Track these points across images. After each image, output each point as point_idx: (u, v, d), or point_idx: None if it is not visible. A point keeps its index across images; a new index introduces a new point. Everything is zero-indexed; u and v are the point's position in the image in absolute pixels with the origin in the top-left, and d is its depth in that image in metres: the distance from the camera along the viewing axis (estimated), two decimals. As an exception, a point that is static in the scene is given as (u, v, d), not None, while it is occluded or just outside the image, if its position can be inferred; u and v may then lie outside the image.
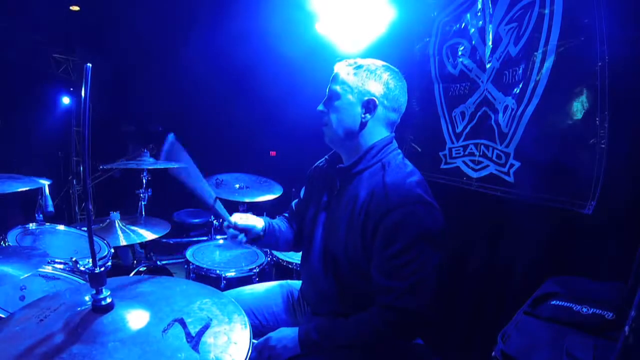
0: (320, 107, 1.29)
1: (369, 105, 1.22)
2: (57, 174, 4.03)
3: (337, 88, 1.25)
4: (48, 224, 1.98)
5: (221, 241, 2.62)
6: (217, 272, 2.15)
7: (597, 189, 1.26)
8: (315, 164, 1.53)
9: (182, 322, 0.83)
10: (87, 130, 0.76)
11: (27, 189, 1.66)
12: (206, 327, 0.83)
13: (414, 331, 1.21)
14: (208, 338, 0.80)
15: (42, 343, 0.76)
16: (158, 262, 2.85)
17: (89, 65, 0.71)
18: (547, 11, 1.42)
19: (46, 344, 0.76)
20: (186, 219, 3.57)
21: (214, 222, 2.78)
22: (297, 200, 1.62)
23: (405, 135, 2.25)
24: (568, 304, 0.98)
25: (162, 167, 2.51)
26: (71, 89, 4.03)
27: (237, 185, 2.78)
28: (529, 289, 1.15)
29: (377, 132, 1.26)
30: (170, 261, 3.15)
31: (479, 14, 1.77)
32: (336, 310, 1.30)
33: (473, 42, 1.82)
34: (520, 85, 1.54)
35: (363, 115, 1.23)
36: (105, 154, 3.89)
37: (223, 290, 1.60)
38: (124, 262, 2.75)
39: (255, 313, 1.43)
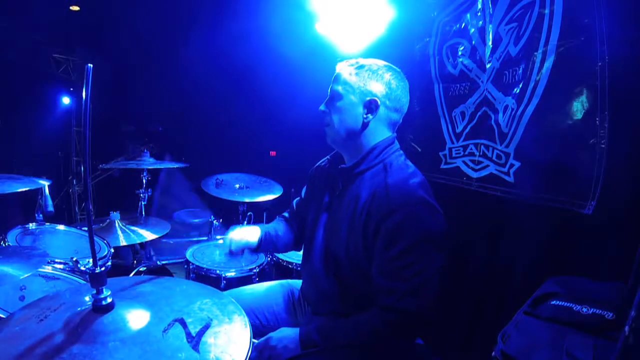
0: (322, 108, 1.29)
1: (371, 106, 1.22)
2: (57, 174, 4.04)
3: (339, 88, 1.25)
4: (48, 224, 1.98)
5: (221, 241, 2.61)
6: (217, 272, 2.15)
7: (597, 189, 1.25)
8: (317, 164, 1.53)
9: (183, 322, 0.84)
10: (88, 130, 0.76)
11: (27, 189, 1.66)
12: (206, 327, 0.83)
13: (414, 332, 1.21)
14: (208, 338, 0.80)
15: (42, 343, 0.76)
16: (158, 262, 2.85)
17: (90, 65, 0.71)
18: (547, 11, 1.42)
19: (46, 344, 0.76)
20: (186, 219, 3.57)
21: (214, 222, 2.79)
22: (298, 199, 1.62)
23: (405, 135, 2.25)
24: (568, 304, 0.98)
25: (162, 167, 2.51)
26: (71, 89, 4.03)
27: (237, 185, 2.78)
28: (529, 289, 1.15)
29: (379, 133, 1.26)
30: (170, 261, 3.15)
31: (479, 14, 1.77)
32: (337, 310, 1.30)
33: (473, 42, 1.82)
34: (520, 85, 1.54)
35: (365, 116, 1.23)
36: (105, 154, 3.90)
37: (223, 290, 1.60)
38: (125, 262, 2.75)
39: (256, 312, 1.43)
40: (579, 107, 1.32)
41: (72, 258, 1.51)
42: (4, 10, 3.07)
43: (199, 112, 4.05)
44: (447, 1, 1.99)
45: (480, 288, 1.78)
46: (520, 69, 1.55)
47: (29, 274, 1.30)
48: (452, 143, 1.98)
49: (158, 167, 2.51)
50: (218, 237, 2.73)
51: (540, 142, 1.47)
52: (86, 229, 0.87)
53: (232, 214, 3.00)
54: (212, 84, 3.71)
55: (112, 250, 1.89)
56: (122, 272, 2.42)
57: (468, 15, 1.85)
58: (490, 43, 1.71)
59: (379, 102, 1.22)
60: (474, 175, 1.83)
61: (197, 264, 2.20)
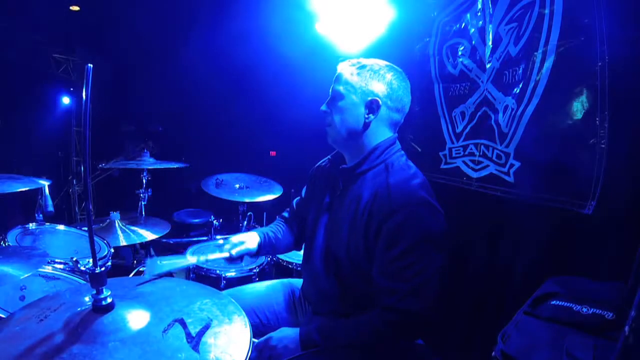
0: (324, 108, 1.29)
1: (373, 106, 1.22)
2: (57, 174, 4.04)
3: (341, 88, 1.24)
4: (48, 224, 1.98)
5: (221, 241, 2.61)
6: (217, 272, 2.15)
7: (597, 189, 1.25)
8: (318, 164, 1.53)
9: (183, 323, 0.84)
10: (88, 130, 0.76)
11: (27, 189, 1.66)
12: (206, 328, 0.83)
13: (415, 332, 1.21)
14: (208, 338, 0.80)
15: (42, 343, 0.76)
16: (158, 262, 2.84)
17: (90, 65, 0.71)
18: (547, 11, 1.42)
19: (46, 344, 0.76)
20: (186, 219, 3.56)
21: (214, 222, 2.79)
22: (298, 198, 1.62)
23: (405, 135, 2.25)
24: (568, 304, 0.98)
25: (162, 167, 2.52)
26: (71, 89, 4.03)
27: (237, 185, 2.78)
28: (529, 289, 1.15)
29: (381, 133, 1.26)
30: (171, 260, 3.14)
31: (479, 14, 1.77)
32: (337, 310, 1.30)
33: (473, 42, 1.82)
34: (520, 85, 1.54)
35: (366, 116, 1.23)
36: (105, 154, 3.90)
37: (223, 290, 1.60)
38: (125, 262, 2.75)
39: (256, 311, 1.43)
40: (579, 107, 1.32)
41: (72, 258, 1.52)
42: (4, 10, 3.07)
43: (199, 112, 4.05)
44: (447, 1, 1.99)
45: (480, 288, 1.78)
46: (520, 69, 1.55)
47: (29, 274, 1.30)
48: (452, 143, 1.98)
49: (158, 167, 2.51)
50: (218, 237, 2.73)
51: (540, 142, 1.47)
52: (86, 229, 0.87)
53: (232, 214, 3.00)
54: (212, 84, 3.71)
55: (112, 250, 1.89)
56: (122, 272, 2.42)
57: (468, 15, 1.85)
58: (490, 43, 1.71)
59: (380, 102, 1.22)
60: (474, 175, 1.83)
61: (197, 264, 2.20)
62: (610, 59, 1.22)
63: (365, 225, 1.18)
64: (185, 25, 3.55)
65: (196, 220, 3.53)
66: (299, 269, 2.17)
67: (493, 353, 1.00)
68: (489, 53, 1.72)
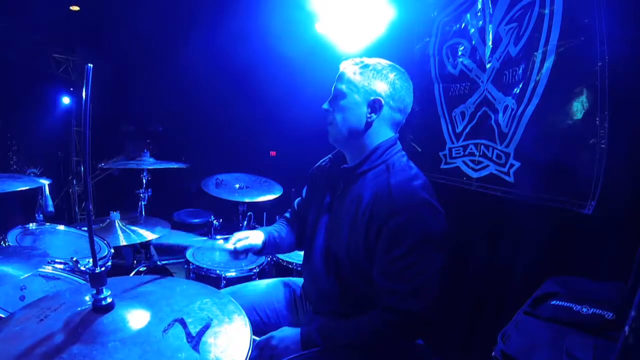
0: (326, 106, 1.29)
1: (375, 105, 1.22)
2: (57, 174, 4.03)
3: (343, 87, 1.24)
4: (48, 224, 1.98)
5: (221, 241, 2.61)
6: (217, 272, 2.15)
7: (597, 189, 1.25)
8: (318, 163, 1.53)
9: (183, 322, 0.83)
10: (88, 130, 0.76)
11: (27, 188, 1.66)
12: (206, 327, 0.83)
13: (415, 332, 1.21)
14: (208, 338, 0.80)
15: (42, 343, 0.76)
16: (158, 262, 2.85)
17: (90, 65, 0.71)
18: (547, 11, 1.42)
19: (46, 344, 0.76)
20: (186, 219, 3.57)
21: (214, 222, 2.79)
22: (299, 199, 1.62)
23: (405, 135, 2.25)
24: (568, 304, 0.98)
25: (162, 167, 2.52)
26: (71, 89, 4.03)
27: (237, 185, 2.78)
28: (529, 289, 1.15)
29: (382, 133, 1.26)
30: (170, 261, 3.15)
31: (479, 14, 1.77)
32: (337, 310, 1.30)
33: (473, 42, 1.82)
34: (520, 85, 1.54)
35: (369, 115, 1.23)
36: (106, 154, 3.90)
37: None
38: (126, 262, 2.75)
39: (257, 309, 1.43)
40: (579, 107, 1.32)
41: (72, 258, 1.52)
42: (4, 10, 3.07)
43: (199, 112, 4.05)
44: (447, 1, 1.99)
45: (480, 288, 1.78)
46: (520, 69, 1.55)
47: (29, 274, 1.30)
48: (452, 143, 1.98)
49: (158, 167, 2.51)
50: (218, 237, 2.72)
51: (540, 142, 1.47)
52: (86, 229, 0.86)
53: (232, 214, 3.00)
54: (212, 84, 3.71)
55: (112, 250, 1.89)
56: (122, 272, 2.42)
57: (468, 15, 1.85)
58: (490, 43, 1.71)
59: (382, 102, 1.22)
60: (474, 175, 1.83)
61: (197, 264, 2.20)
62: (610, 59, 1.22)
63: (365, 226, 1.18)
64: (185, 25, 3.55)
65: (196, 220, 3.54)
66: (299, 269, 2.17)
67: (493, 353, 1.00)
68: (489, 53, 1.72)
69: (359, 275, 1.23)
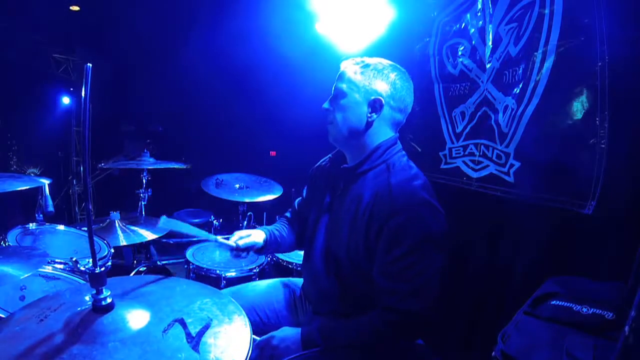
0: (326, 105, 1.29)
1: (375, 105, 1.22)
2: (57, 174, 4.03)
3: (343, 86, 1.24)
4: (48, 224, 1.98)
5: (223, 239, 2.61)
6: (217, 272, 2.15)
7: (597, 189, 1.25)
8: (318, 163, 1.53)
9: (183, 322, 0.83)
10: (88, 130, 0.76)
11: (27, 187, 1.66)
12: (206, 327, 0.83)
13: (415, 332, 1.21)
14: (208, 338, 0.80)
15: (42, 343, 0.76)
16: (158, 262, 2.85)
17: (89, 65, 0.71)
18: (547, 11, 1.42)
19: (46, 344, 0.76)
20: (186, 219, 3.57)
21: (214, 222, 2.79)
22: (299, 199, 1.62)
23: (405, 135, 2.25)
24: (568, 304, 0.98)
25: (162, 167, 2.52)
26: (71, 89, 4.03)
27: (237, 185, 2.78)
28: (529, 289, 1.15)
29: (383, 132, 1.26)
30: (170, 261, 3.15)
31: (479, 14, 1.77)
32: (337, 310, 1.30)
33: (473, 42, 1.82)
34: (520, 85, 1.54)
35: (369, 115, 1.23)
36: (105, 154, 3.90)
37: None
38: (126, 262, 2.75)
39: (257, 309, 1.43)
40: (579, 107, 1.32)
41: (72, 258, 1.52)
42: (4, 10, 3.07)
43: (199, 112, 4.05)
44: (447, 1, 1.99)
45: (480, 288, 1.78)
46: (520, 69, 1.55)
47: (29, 274, 1.30)
48: (452, 143, 1.98)
49: (158, 167, 2.51)
50: (218, 237, 2.72)
51: (540, 142, 1.47)
52: (86, 229, 0.87)
53: (232, 214, 3.00)
54: (212, 84, 3.71)
55: (112, 250, 1.89)
56: (122, 272, 2.42)
57: (468, 15, 1.85)
58: (490, 43, 1.71)
59: (383, 102, 1.22)
60: (474, 175, 1.83)
61: (197, 264, 2.20)
62: (610, 59, 1.22)
63: (366, 226, 1.17)
64: (185, 25, 3.55)
65: (196, 220, 3.53)
66: (299, 269, 2.17)
67: (493, 353, 1.00)
68: (489, 53, 1.72)
69: (359, 275, 1.23)
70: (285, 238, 1.53)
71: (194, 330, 0.81)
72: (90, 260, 0.81)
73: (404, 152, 1.30)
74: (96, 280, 0.81)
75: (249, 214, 2.73)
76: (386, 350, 1.18)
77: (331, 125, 1.28)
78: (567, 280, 1.13)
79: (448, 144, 2.01)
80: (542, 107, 1.46)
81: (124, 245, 2.14)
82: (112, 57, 3.80)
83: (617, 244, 1.22)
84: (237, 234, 1.42)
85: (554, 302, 1.02)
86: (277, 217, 1.73)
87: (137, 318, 0.83)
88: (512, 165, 1.60)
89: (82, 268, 1.55)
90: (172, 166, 2.56)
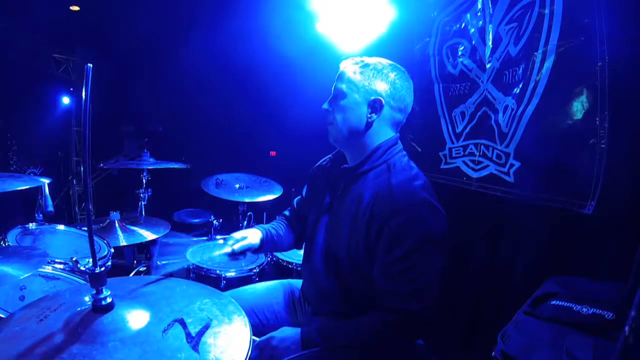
0: (326, 106, 1.29)
1: (375, 105, 1.22)
2: (57, 174, 4.03)
3: (343, 87, 1.24)
4: (48, 223, 1.98)
5: (221, 241, 2.61)
6: (217, 272, 2.15)
7: (597, 189, 1.25)
8: (318, 163, 1.53)
9: (182, 323, 0.84)
10: (88, 130, 0.76)
11: (27, 187, 1.66)
12: (206, 328, 0.83)
13: (415, 332, 1.21)
14: (208, 338, 0.80)
15: (42, 343, 0.76)
16: (158, 262, 2.85)
17: (90, 65, 0.71)
18: (547, 11, 1.42)
19: (46, 344, 0.76)
20: (186, 219, 3.56)
21: (214, 222, 2.78)
22: (299, 197, 1.62)
23: (405, 135, 2.25)
24: (568, 304, 0.98)
25: (162, 167, 2.52)
26: (71, 89, 4.02)
27: (237, 185, 2.78)
28: (529, 289, 1.15)
29: (383, 133, 1.26)
30: (170, 261, 3.14)
31: (479, 14, 1.77)
32: (337, 310, 1.30)
33: (473, 42, 1.82)
34: (520, 85, 1.54)
35: (369, 115, 1.22)
36: (105, 154, 3.90)
37: (223, 290, 1.60)
38: (126, 262, 2.75)
39: (256, 311, 1.43)
40: (579, 107, 1.32)
41: (72, 258, 1.52)
42: (4, 10, 3.07)
43: (199, 112, 4.05)
44: (447, 1, 1.99)
45: (480, 288, 1.78)
46: (520, 69, 1.55)
47: (29, 274, 1.30)
48: (452, 143, 1.98)
49: (158, 167, 2.51)
50: (218, 237, 2.72)
51: (540, 142, 1.47)
52: (86, 229, 0.87)
53: (232, 214, 3.00)
54: (212, 84, 3.71)
55: (112, 250, 1.89)
56: (122, 272, 2.42)
57: (468, 15, 1.85)
58: (490, 43, 1.71)
59: (383, 102, 1.21)
60: (474, 175, 1.83)
61: (197, 264, 2.20)
62: (610, 59, 1.22)
63: (366, 226, 1.17)
64: (185, 25, 3.55)
65: (196, 220, 3.53)
66: (299, 269, 2.16)
67: (493, 353, 1.00)
68: (489, 53, 1.72)
69: (359, 275, 1.23)
70: (282, 237, 1.53)
71: (193, 331, 0.81)
72: (90, 260, 0.81)
73: (404, 152, 1.29)
74: (96, 280, 0.81)
75: (249, 214, 2.73)
76: (386, 351, 1.18)
77: (331, 126, 1.28)
78: (567, 280, 1.13)
79: (448, 144, 2.01)
80: (542, 107, 1.46)
81: (124, 246, 2.14)
82: (112, 57, 3.79)
83: (617, 244, 1.22)
84: (233, 237, 1.42)
85: (554, 302, 1.02)
86: (276, 216, 1.72)
87: (137, 318, 0.83)
88: (512, 165, 1.60)
89: (82, 268, 1.55)
90: (172, 166, 2.56)
